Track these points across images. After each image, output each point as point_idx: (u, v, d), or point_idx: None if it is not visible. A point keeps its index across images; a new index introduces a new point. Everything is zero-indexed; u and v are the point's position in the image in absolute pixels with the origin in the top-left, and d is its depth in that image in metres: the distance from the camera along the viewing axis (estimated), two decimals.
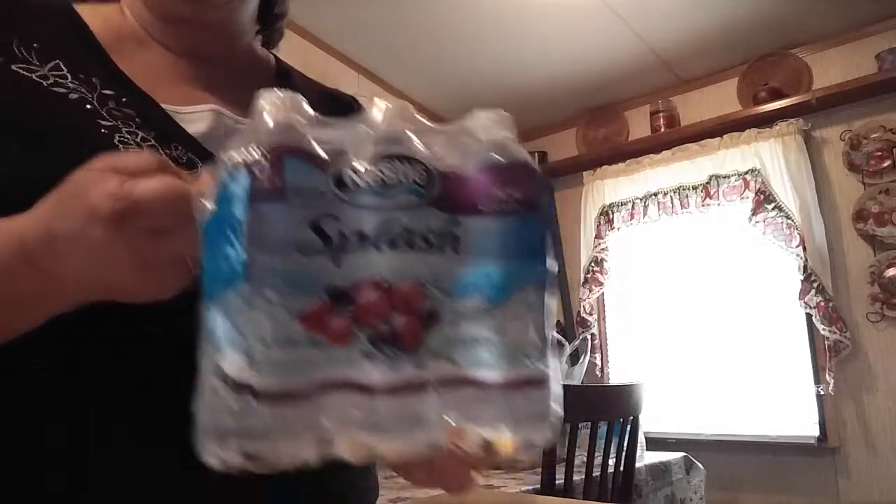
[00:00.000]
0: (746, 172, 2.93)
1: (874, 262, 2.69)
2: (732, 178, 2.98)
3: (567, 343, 2.44)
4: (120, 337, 0.49)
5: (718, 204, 3.01)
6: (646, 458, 2.10)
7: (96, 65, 0.55)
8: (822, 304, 2.67)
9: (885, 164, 2.69)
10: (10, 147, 0.48)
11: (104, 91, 0.53)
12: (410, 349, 0.32)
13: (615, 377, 3.32)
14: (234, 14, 0.62)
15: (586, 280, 3.34)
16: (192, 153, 0.54)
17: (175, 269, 0.36)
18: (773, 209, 2.81)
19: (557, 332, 2.55)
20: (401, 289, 0.32)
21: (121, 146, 0.50)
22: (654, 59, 3.04)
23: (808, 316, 2.75)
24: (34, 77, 0.51)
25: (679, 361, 3.13)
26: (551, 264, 0.36)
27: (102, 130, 0.50)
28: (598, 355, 3.32)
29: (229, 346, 0.30)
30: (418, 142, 0.35)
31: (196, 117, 0.57)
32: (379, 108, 0.36)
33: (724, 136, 3.02)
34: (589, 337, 3.26)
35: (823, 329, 2.67)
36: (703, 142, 3.09)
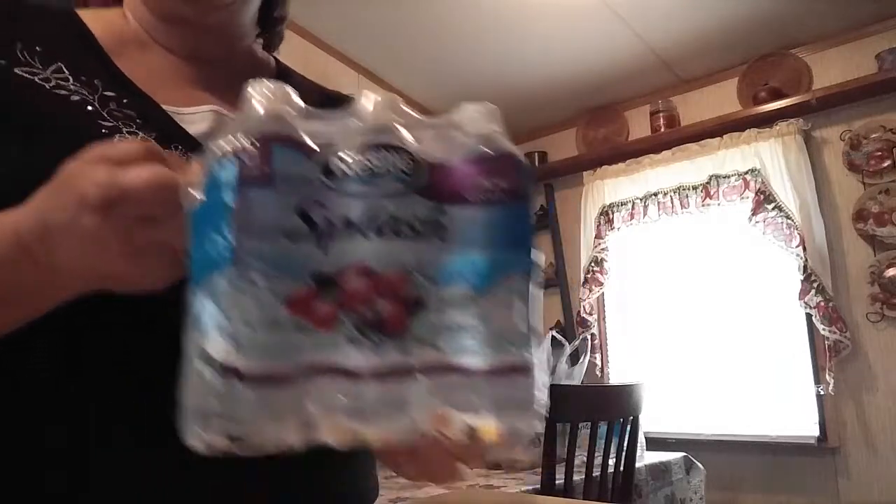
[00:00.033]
0: (746, 172, 2.93)
1: (874, 262, 2.69)
2: (732, 178, 2.98)
3: (567, 343, 2.44)
4: (120, 335, 0.49)
5: (718, 204, 3.01)
6: (646, 458, 2.09)
7: (98, 67, 0.56)
8: (822, 304, 2.67)
9: (885, 164, 2.69)
10: (11, 147, 0.48)
11: (105, 92, 0.54)
12: (395, 335, 0.32)
13: (615, 377, 3.32)
14: (234, 16, 0.63)
15: (586, 280, 3.34)
16: (192, 153, 0.54)
17: (164, 257, 0.36)
18: (773, 209, 2.81)
19: (557, 332, 2.54)
20: (386, 275, 0.32)
21: None
22: (654, 59, 3.04)
23: (808, 316, 2.75)
24: (37, 80, 0.52)
25: (679, 361, 3.13)
26: (536, 254, 0.36)
27: (103, 131, 0.51)
28: (598, 355, 3.32)
29: (216, 330, 0.30)
30: (406, 133, 0.35)
31: (197, 118, 0.58)
32: (368, 101, 0.37)
33: (724, 136, 3.02)
34: (589, 337, 3.25)
35: (823, 329, 2.67)
36: (703, 142, 3.09)
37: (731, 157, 2.99)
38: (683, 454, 2.20)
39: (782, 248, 2.78)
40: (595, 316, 3.35)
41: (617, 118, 3.47)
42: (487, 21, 2.70)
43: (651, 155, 3.23)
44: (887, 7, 2.66)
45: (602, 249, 3.32)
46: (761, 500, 2.82)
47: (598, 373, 3.31)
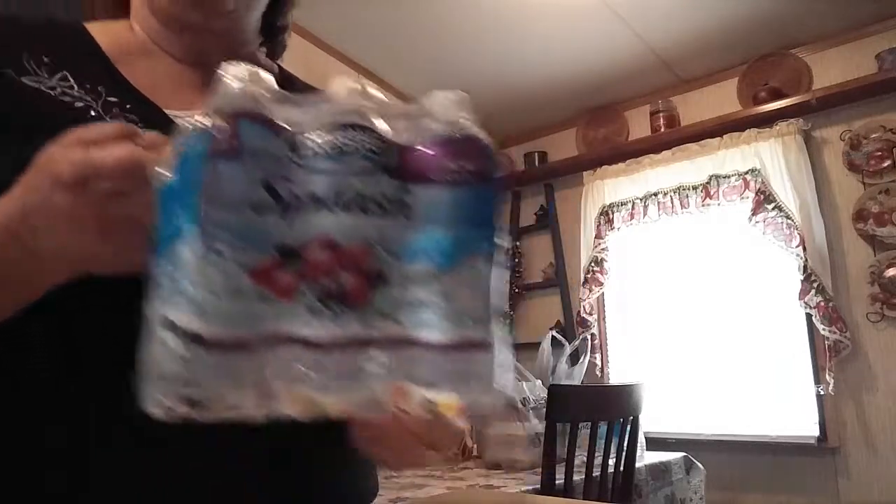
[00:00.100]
0: (746, 172, 2.93)
1: (874, 262, 2.69)
2: (732, 178, 2.98)
3: (567, 343, 2.44)
4: (121, 336, 0.49)
5: (718, 204, 3.02)
6: (646, 458, 2.09)
7: (102, 74, 0.57)
8: (822, 304, 2.67)
9: (885, 164, 2.69)
10: (11, 147, 0.49)
11: (109, 98, 0.55)
12: (357, 307, 0.33)
13: (615, 377, 3.32)
14: (238, 23, 0.65)
15: (586, 280, 3.34)
16: None
17: (136, 234, 0.37)
18: (773, 209, 2.81)
19: (557, 332, 2.54)
20: (349, 249, 0.33)
21: None
22: (654, 59, 3.04)
23: (808, 316, 2.75)
24: (42, 88, 0.54)
25: (679, 361, 3.13)
26: (501, 235, 0.37)
27: None
28: (598, 355, 3.32)
29: (180, 298, 0.31)
30: (376, 115, 0.36)
31: None
32: (341, 86, 0.38)
33: (724, 136, 3.02)
34: (589, 337, 3.26)
35: (823, 329, 2.67)
36: (703, 142, 3.09)
37: (731, 157, 2.99)
38: (683, 454, 2.20)
39: (782, 248, 2.78)
40: (595, 316, 3.35)
41: (617, 118, 3.47)
42: (487, 21, 2.70)
43: (651, 155, 3.24)
44: (887, 7, 2.66)
45: (602, 249, 3.33)
46: (761, 500, 2.82)
47: (598, 373, 3.31)
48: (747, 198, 2.91)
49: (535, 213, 3.73)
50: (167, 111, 0.57)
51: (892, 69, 2.63)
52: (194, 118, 0.34)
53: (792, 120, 2.84)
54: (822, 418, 2.72)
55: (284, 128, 0.34)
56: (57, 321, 0.49)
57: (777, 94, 2.90)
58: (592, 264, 3.34)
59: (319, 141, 0.34)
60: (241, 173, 0.32)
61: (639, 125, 3.38)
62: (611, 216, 3.34)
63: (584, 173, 3.46)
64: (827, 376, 2.65)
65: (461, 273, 0.35)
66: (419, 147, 0.36)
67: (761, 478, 2.83)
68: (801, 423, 2.76)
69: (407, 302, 0.34)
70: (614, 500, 1.81)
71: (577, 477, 1.71)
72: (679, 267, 3.21)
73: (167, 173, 0.34)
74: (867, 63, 2.74)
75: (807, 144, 2.84)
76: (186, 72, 0.63)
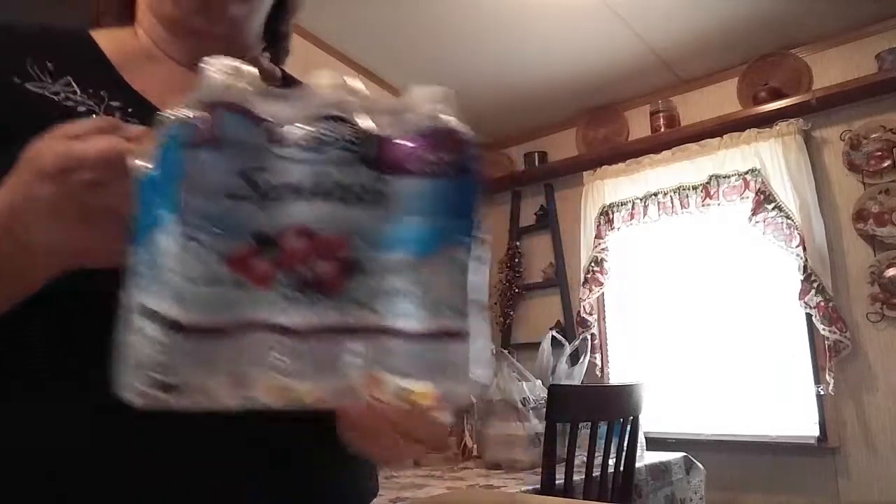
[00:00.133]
0: (746, 172, 2.93)
1: (874, 262, 2.69)
2: (732, 178, 2.98)
3: (567, 343, 2.44)
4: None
5: (718, 204, 3.01)
6: (646, 458, 2.09)
7: (105, 80, 0.59)
8: (822, 304, 2.67)
9: (885, 164, 2.69)
10: (12, 147, 0.49)
11: (111, 102, 0.57)
12: (332, 295, 0.33)
13: (615, 377, 3.32)
14: (241, 28, 0.66)
15: (586, 280, 3.34)
16: None
17: (116, 224, 0.38)
18: (773, 209, 2.81)
19: (557, 332, 2.54)
20: (325, 237, 0.34)
21: None
22: (654, 59, 3.04)
23: (808, 316, 2.74)
24: (46, 93, 0.55)
25: (679, 361, 3.13)
26: (480, 227, 0.37)
27: None
28: (598, 355, 3.32)
29: (158, 285, 0.31)
30: (357, 107, 0.37)
31: None
32: (324, 79, 0.38)
33: (724, 136, 3.02)
34: (589, 337, 3.25)
35: (823, 329, 2.66)
36: (703, 142, 3.09)
37: (731, 157, 2.99)
38: (683, 454, 2.20)
39: (782, 248, 2.78)
40: (595, 316, 3.35)
41: (617, 118, 3.47)
42: (487, 21, 2.70)
43: (651, 155, 3.23)
44: (887, 7, 2.66)
45: (602, 249, 3.32)
46: (761, 500, 2.82)
47: (598, 373, 3.31)
48: (747, 198, 2.91)
49: (535, 213, 3.74)
50: None
51: (892, 69, 2.62)
52: (175, 109, 0.34)
53: (792, 120, 2.84)
54: (822, 418, 2.71)
55: (264, 119, 0.35)
56: (56, 321, 0.49)
57: (777, 94, 2.90)
58: (592, 264, 3.34)
59: (299, 132, 0.35)
60: (221, 163, 0.33)
61: (639, 125, 3.38)
62: (611, 216, 3.34)
63: (584, 173, 3.46)
64: (827, 376, 2.65)
65: (438, 263, 0.35)
66: (399, 139, 0.37)
67: (761, 478, 2.83)
68: (801, 423, 2.76)
69: (383, 291, 0.34)
70: (614, 500, 1.81)
71: (577, 477, 1.71)
72: (679, 267, 3.20)
73: (147, 164, 0.34)
74: (867, 63, 2.74)
75: (807, 144, 2.84)
76: (189, 76, 0.64)
